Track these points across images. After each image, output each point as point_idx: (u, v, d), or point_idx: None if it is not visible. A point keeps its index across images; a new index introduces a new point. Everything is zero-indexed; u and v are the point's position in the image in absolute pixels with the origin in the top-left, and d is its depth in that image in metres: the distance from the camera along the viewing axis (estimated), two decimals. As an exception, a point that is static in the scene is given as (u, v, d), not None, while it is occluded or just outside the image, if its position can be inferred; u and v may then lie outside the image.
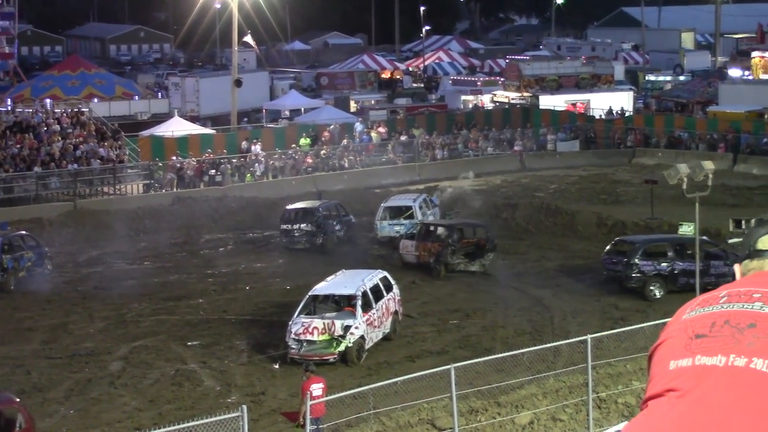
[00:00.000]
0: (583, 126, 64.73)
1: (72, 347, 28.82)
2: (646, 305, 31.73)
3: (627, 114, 68.12)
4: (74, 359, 27.77)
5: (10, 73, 70.82)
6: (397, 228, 40.00)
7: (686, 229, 34.05)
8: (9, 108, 60.13)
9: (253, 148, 54.10)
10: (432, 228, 38.30)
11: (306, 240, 40.19)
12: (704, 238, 33.79)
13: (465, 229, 37.83)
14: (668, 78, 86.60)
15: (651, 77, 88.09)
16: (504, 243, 40.60)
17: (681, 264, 32.98)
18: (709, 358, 2.31)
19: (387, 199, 43.18)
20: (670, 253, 33.44)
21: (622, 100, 70.62)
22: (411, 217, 40.21)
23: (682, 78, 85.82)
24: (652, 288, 32.90)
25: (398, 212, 40.70)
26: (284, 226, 40.64)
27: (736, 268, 2.69)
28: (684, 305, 2.57)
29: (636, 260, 32.97)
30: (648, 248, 33.79)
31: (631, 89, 76.41)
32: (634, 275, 32.91)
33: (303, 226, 40.24)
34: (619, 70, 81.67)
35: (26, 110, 56.84)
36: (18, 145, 49.12)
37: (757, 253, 2.64)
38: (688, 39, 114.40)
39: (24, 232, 37.73)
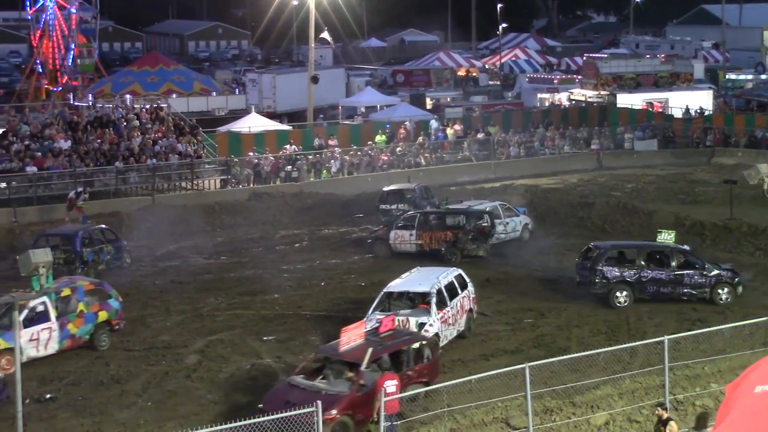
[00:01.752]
0: (661, 125, 64.08)
1: (149, 340, 29.18)
2: (724, 307, 31.26)
3: (706, 113, 67.28)
4: (152, 352, 28.11)
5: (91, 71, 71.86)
6: None
7: (665, 237, 32.98)
8: (90, 103, 61.11)
9: (289, 147, 53.85)
10: (438, 216, 39.15)
11: None
12: (685, 247, 33.04)
13: (473, 215, 38.91)
14: (749, 77, 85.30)
15: (731, 76, 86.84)
16: (580, 242, 40.29)
17: (650, 272, 32.00)
18: None
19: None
20: (639, 261, 32.29)
21: (701, 99, 69.76)
22: None
23: (763, 77, 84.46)
24: (617, 295, 31.80)
25: None
26: (383, 206, 43.21)
27: None
28: None
29: (600, 266, 31.99)
30: (614, 254, 32.72)
31: (710, 88, 75.45)
32: (597, 281, 31.93)
33: (401, 206, 42.55)
34: (698, 69, 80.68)
35: (107, 105, 57.68)
36: (99, 140, 49.86)
37: None
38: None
39: (103, 226, 38.32)
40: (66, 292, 28.31)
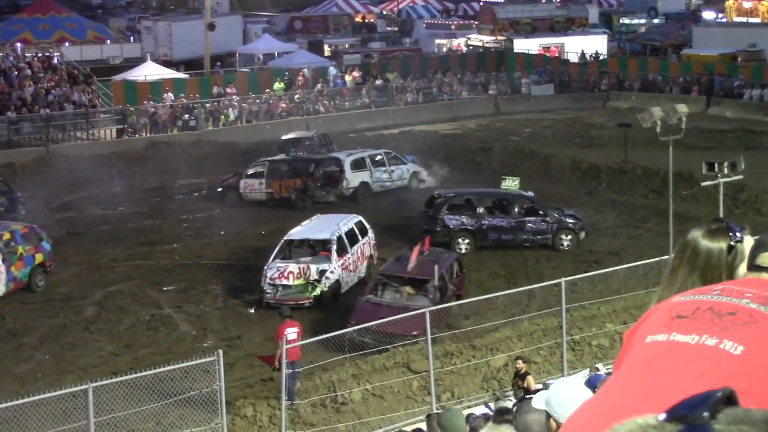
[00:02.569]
0: (557, 69, 64.69)
1: (46, 292, 28.80)
2: (620, 248, 31.81)
3: (601, 57, 68.06)
4: (49, 304, 27.77)
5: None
6: None
7: (509, 184, 33.43)
8: (-21, 52, 59.49)
9: (166, 95, 52.86)
10: (288, 164, 39.35)
11: None
12: (529, 194, 33.34)
13: (322, 162, 39.31)
14: (642, 21, 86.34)
15: (625, 20, 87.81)
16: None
17: (491, 219, 32.35)
18: (682, 336, 2.43)
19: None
20: (480, 209, 32.66)
21: (596, 44, 70.48)
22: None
23: (656, 21, 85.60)
24: (459, 242, 32.08)
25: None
26: (281, 155, 41.71)
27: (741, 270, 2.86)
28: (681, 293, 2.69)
29: (441, 215, 32.31)
30: (455, 202, 32.99)
31: (605, 32, 76.26)
32: (439, 229, 32.10)
33: (300, 155, 41.42)
34: (593, 13, 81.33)
35: (-4, 54, 56.20)
36: (-11, 90, 48.68)
37: (757, 268, 2.83)
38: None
39: (-4, 178, 37.59)
40: (6, 235, 28.36)
